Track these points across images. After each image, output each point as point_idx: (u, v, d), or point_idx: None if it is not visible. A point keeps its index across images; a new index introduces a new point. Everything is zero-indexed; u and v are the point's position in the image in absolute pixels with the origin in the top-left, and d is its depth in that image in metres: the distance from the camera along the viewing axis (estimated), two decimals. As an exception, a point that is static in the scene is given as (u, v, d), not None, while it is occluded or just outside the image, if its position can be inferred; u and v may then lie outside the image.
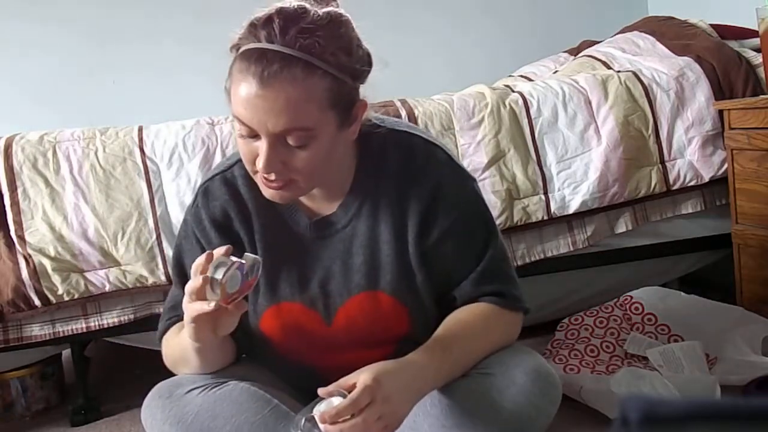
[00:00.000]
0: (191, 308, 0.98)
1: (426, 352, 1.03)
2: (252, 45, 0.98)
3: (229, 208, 1.16)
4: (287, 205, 1.15)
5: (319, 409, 0.95)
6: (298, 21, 0.97)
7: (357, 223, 1.14)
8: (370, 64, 1.05)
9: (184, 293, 1.18)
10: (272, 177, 1.02)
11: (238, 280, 0.98)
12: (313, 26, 0.97)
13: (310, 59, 0.96)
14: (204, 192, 1.18)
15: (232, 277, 0.97)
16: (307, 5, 1.00)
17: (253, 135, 1.00)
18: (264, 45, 0.96)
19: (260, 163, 1.00)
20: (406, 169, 1.13)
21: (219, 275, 0.96)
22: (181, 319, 1.17)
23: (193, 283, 0.97)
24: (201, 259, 0.98)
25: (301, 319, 1.16)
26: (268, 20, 0.98)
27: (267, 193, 1.06)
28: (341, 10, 1.03)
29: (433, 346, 1.05)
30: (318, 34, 0.97)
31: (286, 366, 1.21)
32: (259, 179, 1.05)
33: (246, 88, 0.97)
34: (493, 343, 1.11)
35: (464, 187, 1.15)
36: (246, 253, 1.02)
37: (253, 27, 0.98)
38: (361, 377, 0.94)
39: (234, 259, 0.98)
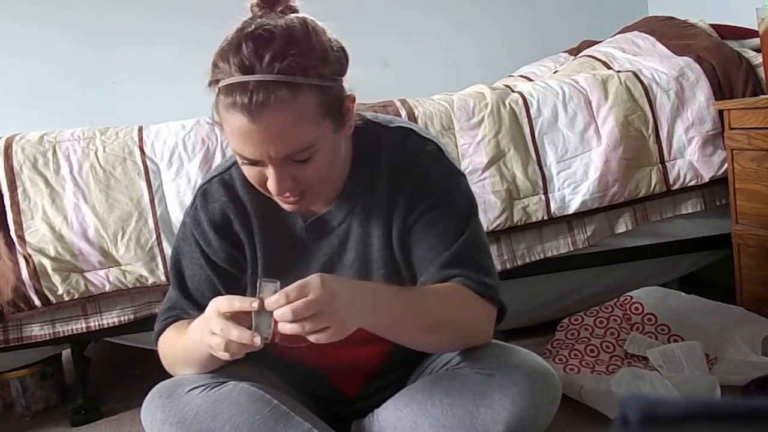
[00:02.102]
0: (235, 335, 0.94)
1: (383, 284, 1.07)
2: (231, 79, 0.96)
3: (228, 210, 1.16)
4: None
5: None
6: (268, 44, 0.95)
7: (352, 221, 1.15)
8: (346, 58, 1.05)
9: (181, 295, 1.18)
10: (287, 194, 1.03)
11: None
12: (285, 46, 0.95)
13: (292, 80, 0.95)
14: (202, 194, 1.19)
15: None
16: (270, 21, 0.97)
17: (257, 162, 1.01)
18: (242, 78, 0.95)
19: (272, 187, 1.01)
20: (397, 163, 1.14)
21: (265, 326, 0.94)
22: (179, 319, 1.17)
23: (238, 305, 0.95)
24: (241, 303, 0.96)
25: None
26: (237, 49, 0.96)
27: (286, 207, 1.08)
28: (303, 15, 1.02)
29: (392, 285, 1.09)
30: (292, 53, 0.95)
31: (284, 365, 1.21)
32: (275, 197, 1.06)
33: (237, 123, 0.96)
34: (464, 316, 1.09)
35: (448, 178, 1.15)
36: (264, 282, 0.96)
37: (225, 59, 0.97)
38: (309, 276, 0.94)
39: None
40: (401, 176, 1.13)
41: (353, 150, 1.15)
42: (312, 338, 0.92)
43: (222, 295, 1.14)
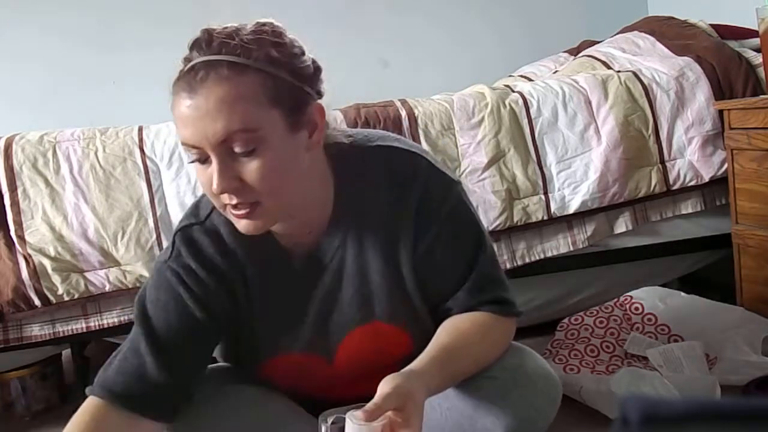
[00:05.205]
0: None
1: (432, 363, 0.98)
2: (184, 69, 0.95)
3: (219, 260, 1.07)
4: (273, 247, 1.08)
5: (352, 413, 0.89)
6: (222, 32, 0.94)
7: (344, 254, 1.08)
8: (316, 67, 1.00)
9: (149, 349, 1.03)
10: (234, 200, 0.94)
11: None
12: (234, 31, 0.94)
13: (236, 59, 0.91)
14: (187, 241, 1.08)
15: None
16: (237, 24, 0.97)
17: (205, 158, 0.94)
18: (192, 62, 0.93)
19: (214, 184, 0.92)
20: (388, 186, 1.06)
21: None
22: (127, 397, 1.02)
23: None
24: None
25: (303, 364, 1.12)
26: (195, 42, 0.95)
27: (240, 225, 0.98)
28: (272, 20, 0.99)
29: (439, 355, 0.99)
30: (242, 35, 0.93)
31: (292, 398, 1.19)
32: (228, 212, 0.98)
33: (179, 105, 0.93)
34: (493, 353, 1.08)
35: (449, 193, 1.09)
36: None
37: (185, 56, 0.96)
38: (395, 392, 0.88)
39: None
40: (396, 199, 1.06)
41: (335, 176, 1.07)
42: None
43: (196, 346, 1.05)
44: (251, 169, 0.93)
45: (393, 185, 1.06)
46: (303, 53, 0.98)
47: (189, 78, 0.92)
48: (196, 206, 1.12)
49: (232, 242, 1.07)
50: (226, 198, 0.95)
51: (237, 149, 0.92)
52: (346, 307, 1.09)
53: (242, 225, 0.97)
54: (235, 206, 0.95)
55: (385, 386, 0.88)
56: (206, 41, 0.93)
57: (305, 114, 0.97)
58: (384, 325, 1.10)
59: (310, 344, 1.11)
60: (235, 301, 1.09)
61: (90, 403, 1.02)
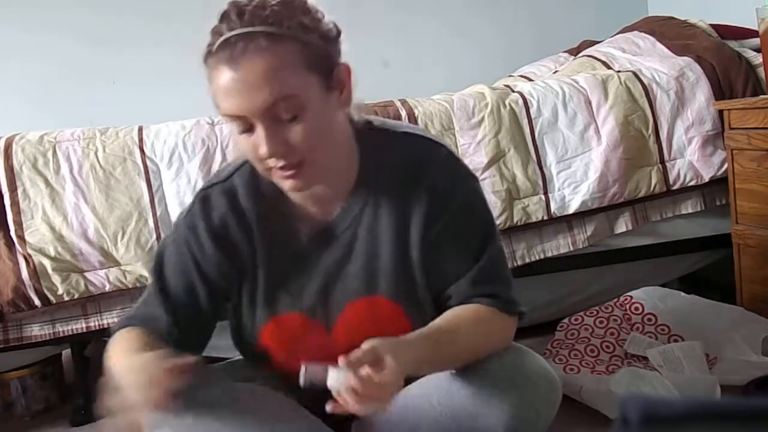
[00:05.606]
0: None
1: (421, 338, 1.02)
2: (217, 42, 0.98)
3: (229, 220, 1.13)
4: (288, 213, 1.13)
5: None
6: (250, 3, 0.98)
7: (357, 228, 1.12)
8: (338, 30, 1.05)
9: (159, 301, 1.13)
10: (281, 163, 1.00)
11: None
12: (264, 2, 0.98)
13: (270, 29, 0.96)
14: (202, 200, 1.15)
15: None
16: None
17: (248, 127, 0.99)
18: (226, 35, 0.97)
19: (262, 150, 0.98)
20: (407, 170, 1.11)
21: None
22: (147, 324, 1.12)
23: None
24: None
25: (301, 329, 1.14)
26: (224, 15, 0.99)
27: (287, 184, 1.04)
28: None
29: (429, 334, 1.03)
30: (271, 5, 0.98)
31: (286, 380, 1.19)
32: (274, 174, 1.03)
33: (222, 78, 0.97)
34: (487, 345, 1.09)
35: (464, 185, 1.13)
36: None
37: (214, 29, 0.99)
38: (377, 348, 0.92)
39: None
40: (412, 183, 1.11)
41: (360, 153, 1.12)
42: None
43: (200, 308, 1.13)
44: (296, 131, 0.98)
45: (411, 170, 1.11)
46: (324, 17, 1.03)
47: (228, 50, 0.96)
48: (224, 168, 1.19)
49: (246, 204, 1.13)
50: (272, 161, 1.00)
51: (282, 116, 0.97)
52: (351, 279, 1.13)
53: (289, 184, 1.03)
54: (282, 168, 1.01)
55: (368, 343, 0.93)
56: (237, 13, 0.97)
57: (335, 75, 1.03)
58: (386, 301, 1.12)
59: (311, 309, 1.14)
60: (237, 263, 1.13)
61: (128, 329, 1.13)
